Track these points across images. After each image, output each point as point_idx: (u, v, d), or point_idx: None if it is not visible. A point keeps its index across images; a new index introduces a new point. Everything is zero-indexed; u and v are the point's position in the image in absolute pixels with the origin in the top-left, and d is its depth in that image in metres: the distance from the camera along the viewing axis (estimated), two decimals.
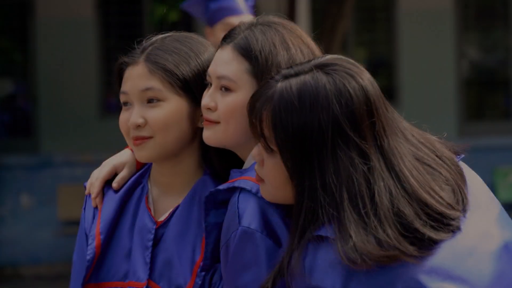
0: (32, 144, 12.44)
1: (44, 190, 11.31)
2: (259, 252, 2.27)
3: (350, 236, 2.07)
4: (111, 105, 12.80)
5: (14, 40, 12.74)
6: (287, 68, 2.25)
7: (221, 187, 2.35)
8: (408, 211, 2.10)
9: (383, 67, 12.95)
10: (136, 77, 2.48)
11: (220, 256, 2.34)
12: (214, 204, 2.35)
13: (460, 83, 13.03)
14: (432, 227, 2.10)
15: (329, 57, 2.24)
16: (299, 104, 2.14)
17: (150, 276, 2.49)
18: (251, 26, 2.44)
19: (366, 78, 2.19)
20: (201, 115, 2.47)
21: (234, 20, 5.11)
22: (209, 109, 2.41)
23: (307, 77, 2.17)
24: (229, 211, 2.32)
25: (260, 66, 2.38)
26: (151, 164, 2.62)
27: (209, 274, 2.44)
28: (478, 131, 12.63)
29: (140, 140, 2.47)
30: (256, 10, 5.62)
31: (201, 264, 2.42)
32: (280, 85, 2.19)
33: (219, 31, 5.22)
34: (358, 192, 2.11)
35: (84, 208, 2.63)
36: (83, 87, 12.52)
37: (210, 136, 2.42)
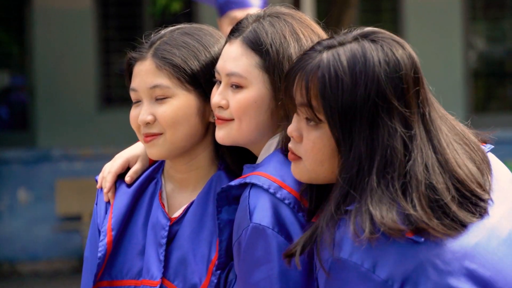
0: (30, 138, 12.51)
1: (42, 185, 11.38)
2: (270, 249, 2.26)
3: (380, 206, 2.09)
4: (110, 97, 12.84)
5: (11, 31, 12.84)
6: (328, 39, 2.22)
7: (232, 183, 2.34)
8: (440, 185, 2.11)
9: None
10: (144, 74, 2.48)
11: (233, 253, 2.34)
12: (226, 201, 2.35)
13: (468, 74, 13.06)
14: (461, 204, 2.12)
15: (369, 28, 2.22)
16: (349, 71, 2.14)
17: (165, 275, 2.49)
18: (259, 18, 2.42)
19: (410, 47, 2.20)
20: (209, 110, 2.48)
21: (240, 14, 5.11)
22: (220, 107, 2.40)
23: (353, 45, 2.17)
24: (240, 207, 2.32)
25: (272, 59, 2.37)
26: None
27: (225, 272, 2.43)
28: (485, 124, 12.62)
29: (150, 137, 2.48)
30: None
31: (216, 262, 2.41)
32: (326, 54, 2.17)
33: (225, 25, 5.24)
34: (395, 161, 2.12)
35: (96, 203, 2.62)
36: (82, 79, 12.61)
37: (224, 135, 2.42)
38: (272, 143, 2.42)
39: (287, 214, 2.28)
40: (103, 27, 12.82)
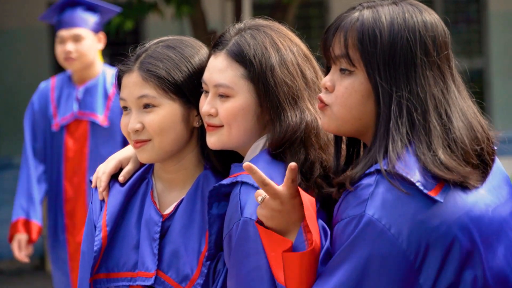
0: None
1: (5, 190, 11.19)
2: (260, 242, 2.24)
3: (433, 148, 2.09)
4: None
5: None
6: (367, 1, 2.23)
7: (224, 181, 2.33)
8: (469, 140, 2.13)
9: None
10: (132, 85, 2.48)
11: (223, 246, 2.34)
12: (217, 197, 2.34)
13: None
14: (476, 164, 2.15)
15: None
16: (389, 24, 2.14)
17: (159, 267, 2.48)
18: (240, 31, 2.41)
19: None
20: (196, 115, 2.48)
21: (66, 33, 5.07)
22: (210, 115, 2.39)
23: (393, 6, 2.19)
24: (231, 203, 2.31)
25: (255, 70, 2.35)
26: None
27: (214, 262, 2.43)
28: None
29: (140, 143, 2.48)
30: (104, 26, 5.54)
31: (206, 254, 2.42)
32: (366, 11, 2.17)
33: (56, 43, 5.15)
34: (440, 105, 2.13)
35: (91, 202, 2.62)
36: None
37: (215, 141, 2.41)
38: (259, 144, 2.40)
39: None
40: None
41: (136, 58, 2.52)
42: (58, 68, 12.59)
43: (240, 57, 2.37)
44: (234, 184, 2.32)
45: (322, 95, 2.22)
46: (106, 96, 5.25)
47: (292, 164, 2.15)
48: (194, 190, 2.53)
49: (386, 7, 2.18)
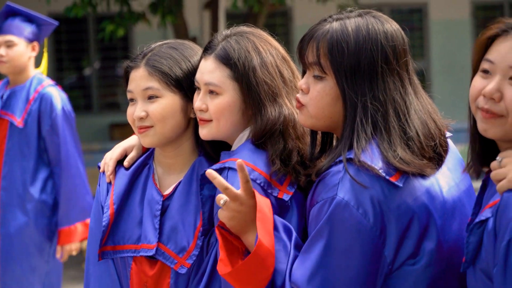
0: None
1: None
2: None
3: (393, 146, 2.08)
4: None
5: None
6: (337, 14, 2.20)
7: (214, 167, 2.32)
8: (425, 135, 2.13)
9: None
10: (138, 79, 2.47)
11: (214, 219, 2.33)
12: (208, 180, 2.29)
13: None
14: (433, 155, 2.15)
15: (367, 10, 2.23)
16: (354, 35, 2.12)
17: (159, 240, 2.45)
18: (226, 37, 2.39)
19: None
20: (193, 108, 2.44)
21: (0, 39, 4.98)
22: (201, 110, 2.38)
23: (358, 19, 2.16)
24: None
25: (239, 71, 2.34)
26: (154, 148, 2.58)
27: (207, 237, 2.41)
28: None
29: (144, 129, 2.46)
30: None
31: (201, 229, 2.40)
32: (335, 23, 2.16)
33: None
34: (399, 107, 2.12)
35: (99, 185, 2.59)
36: None
37: (206, 133, 2.40)
38: (244, 135, 2.39)
39: (258, 189, 2.24)
40: (57, 50, 12.69)
41: (143, 56, 2.49)
42: (57, 70, 12.89)
43: (226, 60, 2.35)
44: (222, 169, 2.29)
45: (299, 96, 2.20)
46: (27, 100, 5.05)
47: (238, 161, 2.14)
48: (190, 173, 2.49)
49: (353, 19, 2.15)
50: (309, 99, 2.17)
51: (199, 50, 2.52)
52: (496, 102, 1.96)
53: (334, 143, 2.28)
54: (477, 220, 1.98)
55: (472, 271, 2.01)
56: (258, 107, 2.34)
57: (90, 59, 13.13)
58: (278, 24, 13.27)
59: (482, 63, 2.00)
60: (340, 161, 2.09)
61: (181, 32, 9.50)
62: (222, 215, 2.17)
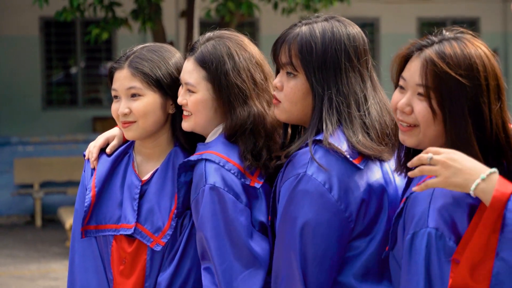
0: None
1: (4, 163, 10.99)
2: (225, 201, 2.25)
3: (355, 133, 2.11)
4: (51, 100, 12.77)
5: None
6: (306, 18, 2.22)
7: (192, 157, 2.32)
8: (384, 125, 2.16)
9: None
10: (123, 78, 2.45)
11: (191, 208, 2.33)
12: (184, 168, 2.33)
13: None
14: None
15: (332, 14, 2.25)
16: (321, 37, 2.14)
17: (138, 220, 2.45)
18: (207, 40, 2.37)
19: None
20: (171, 104, 2.45)
21: None
22: (182, 105, 2.39)
23: (324, 22, 2.19)
24: (196, 175, 2.29)
25: (212, 73, 2.33)
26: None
27: (181, 219, 2.41)
28: None
29: (127, 123, 2.45)
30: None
31: (175, 211, 2.41)
32: (304, 27, 2.17)
33: None
34: (360, 100, 2.14)
35: (84, 170, 2.57)
36: (31, 87, 12.37)
37: (187, 126, 2.40)
38: (218, 129, 2.38)
39: (232, 179, 2.26)
40: (47, 50, 12.61)
41: (126, 58, 2.46)
42: (46, 70, 12.86)
43: (202, 63, 2.33)
44: (199, 160, 2.30)
45: (275, 93, 2.21)
46: None
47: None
48: (166, 162, 2.48)
49: (320, 23, 2.16)
50: (284, 95, 2.18)
51: (176, 52, 2.52)
52: (408, 115, 1.97)
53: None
54: (397, 212, 1.99)
55: (392, 258, 2.02)
56: (229, 107, 2.33)
57: (77, 58, 13.05)
58: (246, 33, 13.10)
59: (399, 80, 2.02)
60: (310, 143, 2.09)
61: (159, 37, 9.46)
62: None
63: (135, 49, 2.49)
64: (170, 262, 2.42)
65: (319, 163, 2.06)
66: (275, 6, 9.52)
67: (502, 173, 1.92)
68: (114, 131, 2.60)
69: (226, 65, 2.32)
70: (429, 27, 13.82)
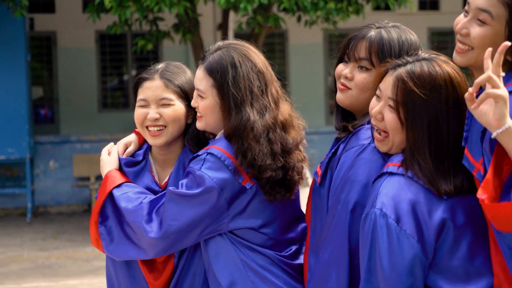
0: (56, 129, 12.37)
1: (64, 158, 11.12)
2: (211, 194, 2.23)
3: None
4: (106, 103, 12.86)
5: (42, 62, 12.54)
6: (377, 22, 2.22)
7: (200, 152, 2.31)
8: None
9: (278, 80, 12.83)
10: (155, 88, 2.42)
11: None
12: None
13: (328, 92, 13.29)
14: None
15: (395, 22, 2.24)
16: (397, 40, 2.17)
17: None
18: (216, 49, 2.34)
19: None
20: (190, 115, 2.44)
21: None
22: (195, 108, 2.38)
23: (395, 28, 2.19)
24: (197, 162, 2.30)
25: (218, 82, 2.30)
26: (148, 145, 2.52)
27: None
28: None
29: (158, 132, 2.41)
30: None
31: None
32: (382, 29, 2.17)
33: None
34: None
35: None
36: (89, 92, 12.44)
37: (200, 126, 2.37)
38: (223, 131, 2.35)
39: (228, 175, 2.23)
40: (102, 59, 12.67)
41: (155, 70, 2.44)
42: (103, 75, 12.95)
43: (210, 72, 2.30)
44: (204, 153, 2.29)
45: (345, 82, 2.19)
46: None
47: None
48: (177, 165, 2.45)
49: (391, 28, 2.18)
50: (355, 84, 2.18)
51: (186, 68, 2.50)
52: (380, 121, 2.04)
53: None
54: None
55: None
56: (226, 113, 2.29)
57: (128, 67, 13.12)
58: (276, 43, 13.10)
59: (376, 89, 2.08)
60: (369, 122, 2.12)
61: (198, 47, 9.44)
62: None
63: (162, 64, 2.47)
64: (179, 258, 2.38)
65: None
66: (299, 19, 9.47)
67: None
68: (131, 138, 2.56)
69: (229, 75, 2.27)
70: (440, 36, 13.66)
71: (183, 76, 2.45)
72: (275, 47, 13.06)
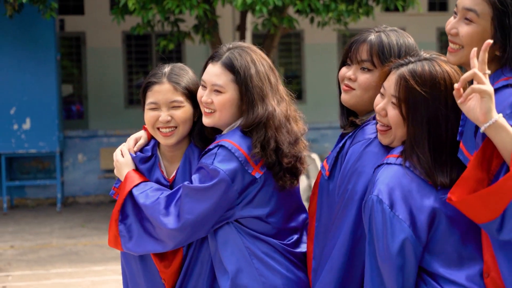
0: (85, 124, 12.42)
1: (92, 151, 11.12)
2: (218, 186, 2.25)
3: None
4: (132, 100, 12.89)
5: (73, 60, 12.56)
6: (373, 28, 2.21)
7: (210, 146, 2.32)
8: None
9: (295, 78, 12.78)
10: (165, 92, 2.40)
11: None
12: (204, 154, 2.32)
13: None
14: None
15: (392, 27, 2.23)
16: (396, 43, 2.19)
17: None
18: (230, 49, 2.33)
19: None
20: (196, 114, 2.43)
21: None
22: (207, 103, 2.34)
23: (394, 32, 2.20)
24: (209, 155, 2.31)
25: (240, 77, 2.30)
26: (155, 141, 2.51)
27: None
28: None
29: (170, 132, 2.41)
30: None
31: None
32: (381, 33, 2.18)
33: None
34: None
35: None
36: (115, 90, 12.44)
37: (209, 121, 2.36)
38: (236, 123, 2.35)
39: (238, 166, 2.24)
40: (128, 58, 12.68)
41: (163, 74, 2.41)
42: (129, 74, 13.01)
43: (230, 67, 2.30)
44: (214, 147, 2.30)
45: (349, 83, 2.20)
46: None
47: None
48: (184, 160, 2.44)
49: (390, 32, 2.19)
50: (358, 84, 2.19)
51: (189, 69, 2.49)
52: (383, 117, 2.07)
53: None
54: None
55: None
56: (251, 105, 2.31)
57: (153, 66, 13.15)
58: (293, 43, 13.04)
59: (381, 88, 2.09)
60: (374, 118, 2.14)
61: (217, 47, 9.37)
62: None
63: (167, 67, 2.45)
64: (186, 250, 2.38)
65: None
66: (312, 20, 9.43)
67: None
68: (140, 133, 2.56)
69: (251, 69, 2.29)
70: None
71: (187, 77, 2.44)
72: (292, 47, 13.01)
